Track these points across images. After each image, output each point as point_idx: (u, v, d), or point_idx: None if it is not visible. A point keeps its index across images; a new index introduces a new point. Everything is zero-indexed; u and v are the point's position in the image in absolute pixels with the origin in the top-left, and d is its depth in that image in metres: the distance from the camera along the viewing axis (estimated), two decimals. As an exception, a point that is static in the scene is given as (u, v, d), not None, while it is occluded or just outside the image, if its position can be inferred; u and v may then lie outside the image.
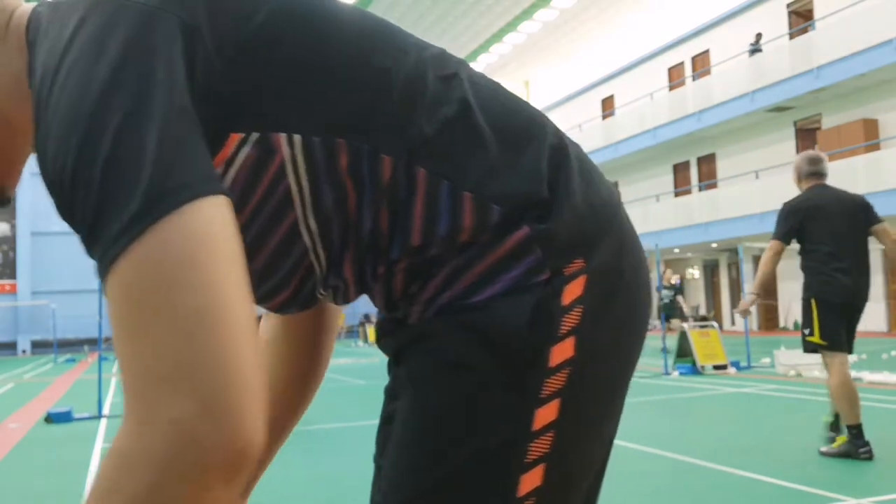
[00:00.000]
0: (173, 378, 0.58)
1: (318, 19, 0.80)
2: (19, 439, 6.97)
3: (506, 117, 0.85)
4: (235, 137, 0.75)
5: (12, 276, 28.37)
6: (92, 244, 0.64)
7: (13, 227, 28.42)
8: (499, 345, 0.78)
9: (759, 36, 22.05)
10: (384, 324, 0.89)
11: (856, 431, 4.82)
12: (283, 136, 0.76)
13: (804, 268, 5.08)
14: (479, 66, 32.71)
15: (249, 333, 0.62)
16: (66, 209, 0.67)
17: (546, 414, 0.78)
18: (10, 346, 28.07)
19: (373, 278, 0.85)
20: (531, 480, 0.78)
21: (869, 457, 4.75)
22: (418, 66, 0.82)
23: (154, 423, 0.58)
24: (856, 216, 5.04)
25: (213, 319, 0.60)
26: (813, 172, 5.18)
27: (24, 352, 28.00)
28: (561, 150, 0.85)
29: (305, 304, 0.92)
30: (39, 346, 27.74)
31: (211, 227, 0.62)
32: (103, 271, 0.63)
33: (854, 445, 4.79)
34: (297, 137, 0.76)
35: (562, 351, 0.79)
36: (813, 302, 4.97)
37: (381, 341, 0.90)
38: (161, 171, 0.62)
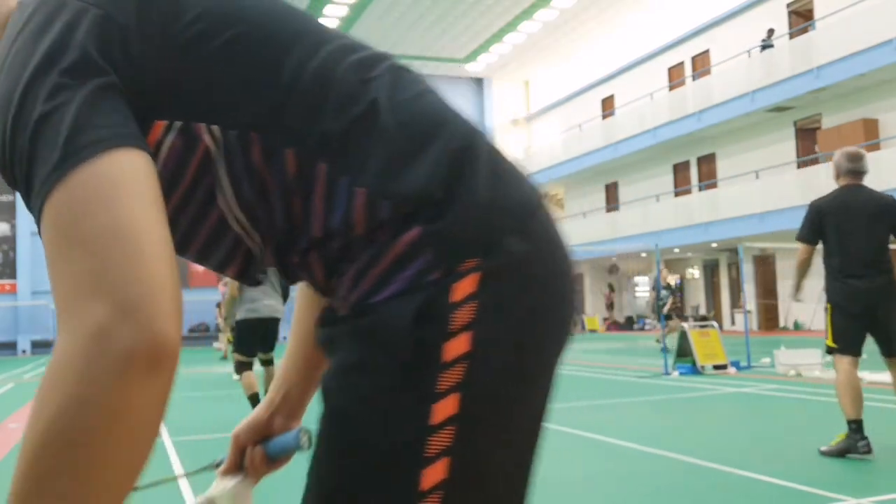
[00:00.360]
0: (90, 288, 0.67)
1: (241, 18, 0.87)
2: (19, 439, 6.97)
3: (417, 119, 0.88)
4: (160, 124, 0.82)
5: (12, 276, 28.35)
6: (28, 197, 0.74)
7: (13, 227, 28.40)
8: (388, 345, 0.81)
9: (771, 31, 21.98)
10: (321, 314, 0.93)
11: (855, 426, 4.87)
12: (203, 127, 0.83)
13: (825, 272, 5.14)
14: (479, 66, 32.69)
15: (161, 249, 0.70)
16: (9, 173, 0.77)
17: (444, 408, 0.80)
18: (10, 346, 28.03)
19: (296, 266, 0.90)
20: (434, 474, 0.80)
21: (868, 451, 4.78)
22: (336, 66, 0.87)
23: (76, 329, 0.66)
24: (881, 217, 5.03)
25: (124, 236, 0.68)
26: (851, 170, 5.14)
27: (24, 352, 27.96)
28: (467, 152, 0.87)
29: (259, 280, 0.99)
30: (39, 346, 27.69)
31: (123, 171, 0.71)
32: (36, 217, 0.73)
33: (853, 440, 4.83)
34: (215, 129, 0.84)
35: (456, 346, 0.80)
36: (829, 307, 5.09)
37: (316, 331, 0.94)
38: (80, 129, 0.72)
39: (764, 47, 21.75)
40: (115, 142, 0.73)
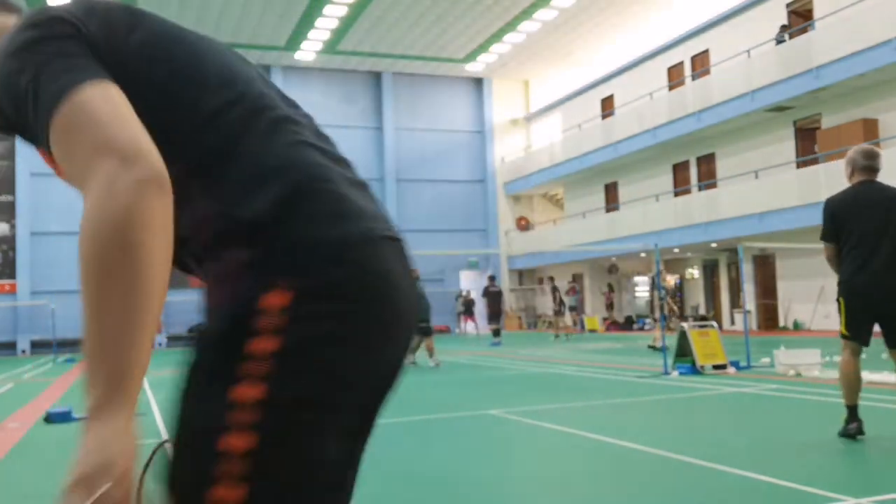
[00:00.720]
0: (99, 152, 0.96)
1: (178, 55, 1.15)
2: (19, 439, 6.97)
3: (272, 161, 1.10)
4: None
5: (12, 276, 28.32)
6: (38, 126, 1.02)
7: (13, 227, 28.37)
8: (207, 345, 1.05)
9: (783, 28, 21.92)
10: None
11: (850, 410, 5.19)
12: None
13: (843, 265, 5.25)
14: (478, 66, 32.67)
15: (138, 123, 1.00)
16: (22, 124, 1.07)
17: (246, 391, 0.99)
18: (10, 346, 27.98)
19: (182, 260, 1.15)
20: (238, 441, 0.98)
21: (857, 432, 5.12)
22: (230, 110, 1.13)
23: (99, 180, 0.94)
24: (892, 211, 5.13)
25: (118, 118, 0.99)
26: (866, 167, 5.25)
27: (23, 352, 27.92)
28: (305, 194, 1.08)
29: (189, 270, 1.20)
30: (39, 346, 27.65)
31: (109, 90, 1.03)
32: (45, 134, 1.01)
33: (845, 422, 5.19)
34: None
35: (261, 344, 1.00)
36: (841, 301, 5.23)
37: None
38: (73, 69, 1.03)
39: (778, 42, 21.64)
40: (101, 76, 1.04)
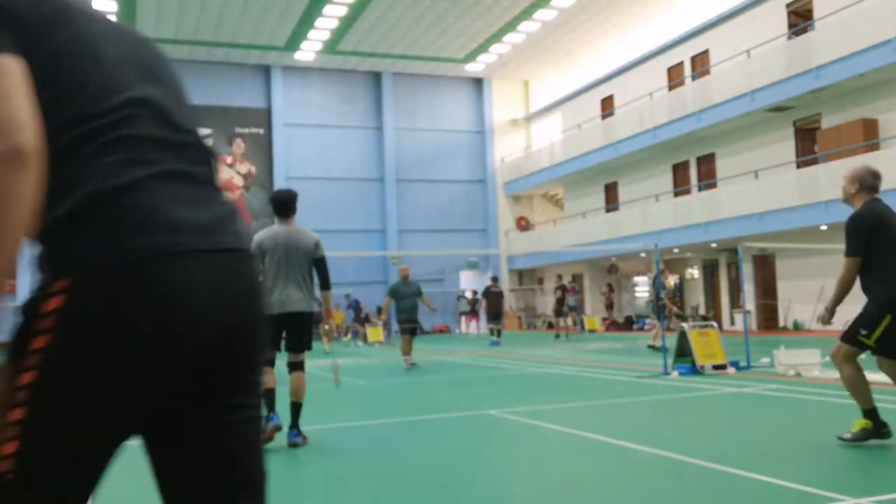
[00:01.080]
0: None
1: (73, 65, 1.26)
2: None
3: (88, 171, 1.20)
4: None
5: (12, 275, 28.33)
6: None
7: (13, 227, 28.44)
8: (13, 330, 1.22)
9: (793, 25, 21.88)
10: None
11: (872, 414, 5.17)
12: None
13: (874, 279, 5.19)
14: (478, 66, 32.66)
15: (26, 105, 1.14)
16: None
17: (26, 377, 1.17)
18: (10, 347, 28.05)
19: None
20: (16, 415, 1.17)
21: (889, 435, 5.11)
22: (84, 123, 1.23)
23: None
24: None
25: (2, 92, 1.12)
26: (873, 186, 5.39)
27: (23, 352, 28.00)
28: (100, 206, 1.19)
29: None
30: (39, 346, 27.68)
31: (7, 65, 1.15)
32: None
33: (877, 427, 5.13)
34: None
35: (35, 344, 1.16)
36: (888, 318, 5.08)
37: None
38: None
39: (789, 38, 21.55)
40: (10, 51, 1.16)
